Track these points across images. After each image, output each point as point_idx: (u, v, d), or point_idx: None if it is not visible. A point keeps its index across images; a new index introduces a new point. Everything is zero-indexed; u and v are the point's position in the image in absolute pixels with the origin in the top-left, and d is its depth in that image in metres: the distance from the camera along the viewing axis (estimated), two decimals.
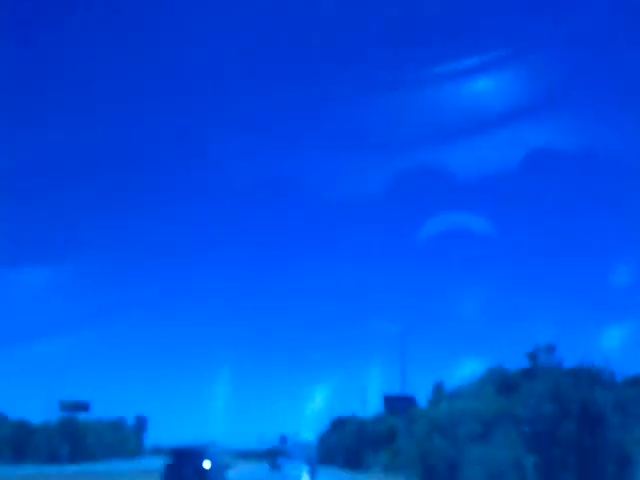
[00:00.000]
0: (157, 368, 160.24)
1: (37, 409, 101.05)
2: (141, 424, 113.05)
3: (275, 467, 73.51)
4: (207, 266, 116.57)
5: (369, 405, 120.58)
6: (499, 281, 78.72)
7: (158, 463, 69.94)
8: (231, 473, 27.34)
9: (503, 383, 42.86)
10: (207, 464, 22.05)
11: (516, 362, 41.30)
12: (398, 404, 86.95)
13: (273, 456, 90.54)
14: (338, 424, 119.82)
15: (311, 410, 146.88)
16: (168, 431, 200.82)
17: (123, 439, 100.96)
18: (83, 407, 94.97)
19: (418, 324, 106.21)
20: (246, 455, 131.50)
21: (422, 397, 68.70)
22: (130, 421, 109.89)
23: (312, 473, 40.53)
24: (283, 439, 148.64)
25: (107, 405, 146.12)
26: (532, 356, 44.58)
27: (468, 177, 51.57)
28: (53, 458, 67.93)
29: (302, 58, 60.57)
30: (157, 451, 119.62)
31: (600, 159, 55.88)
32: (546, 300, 65.48)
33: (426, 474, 41.25)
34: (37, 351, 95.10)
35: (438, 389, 66.80)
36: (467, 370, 54.62)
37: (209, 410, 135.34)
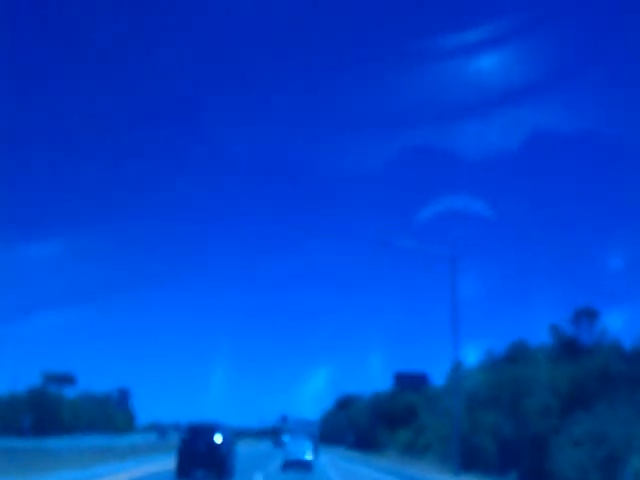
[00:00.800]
0: (152, 345, 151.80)
1: (22, 383, 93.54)
2: (123, 397, 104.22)
3: (278, 445, 69.48)
4: (204, 238, 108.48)
5: (374, 383, 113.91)
6: (497, 263, 77.40)
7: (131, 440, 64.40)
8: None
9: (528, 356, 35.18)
10: (219, 439, 24.44)
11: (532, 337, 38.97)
12: (410, 382, 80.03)
13: (276, 434, 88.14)
14: (345, 402, 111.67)
15: (313, 388, 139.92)
16: (165, 409, 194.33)
17: (109, 414, 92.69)
18: (68, 380, 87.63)
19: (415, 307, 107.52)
20: (246, 434, 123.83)
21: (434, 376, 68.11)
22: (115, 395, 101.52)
23: (315, 451, 37.91)
24: (284, 418, 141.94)
25: (95, 379, 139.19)
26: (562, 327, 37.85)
27: (470, 157, 53.51)
28: (20, 431, 60.12)
29: (302, 38, 58.23)
30: (152, 428, 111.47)
31: (601, 141, 55.26)
32: (546, 282, 63.81)
33: (471, 457, 32.13)
34: (24, 326, 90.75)
35: (457, 366, 57.95)
36: (473, 350, 55.90)
37: (207, 389, 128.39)
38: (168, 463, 31.41)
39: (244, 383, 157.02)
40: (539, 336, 37.46)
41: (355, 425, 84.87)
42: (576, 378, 27.94)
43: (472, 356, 51.10)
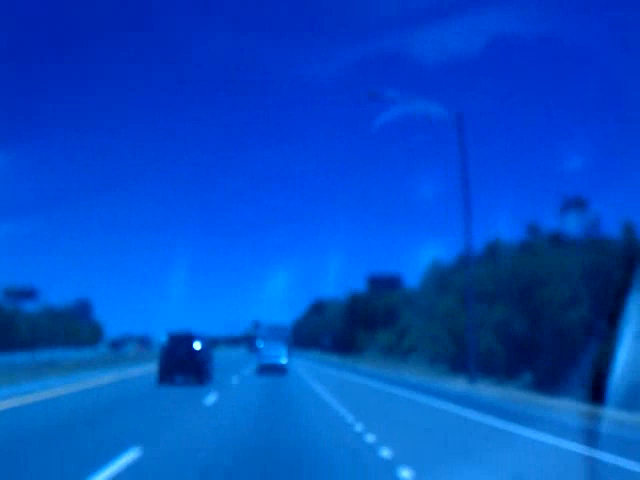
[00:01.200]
0: (113, 256, 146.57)
1: None
2: (84, 308, 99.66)
3: (253, 350, 69.39)
4: (162, 146, 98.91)
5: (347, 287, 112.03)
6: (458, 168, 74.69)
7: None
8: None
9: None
10: (197, 345, 26.11)
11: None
12: (384, 284, 74.54)
13: (250, 340, 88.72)
14: (319, 306, 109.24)
15: (284, 294, 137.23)
16: (134, 321, 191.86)
17: (74, 328, 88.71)
18: (28, 294, 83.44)
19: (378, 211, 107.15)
20: (221, 342, 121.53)
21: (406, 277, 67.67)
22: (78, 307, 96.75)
23: (288, 355, 38.10)
24: (257, 324, 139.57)
25: (57, 293, 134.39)
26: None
27: (430, 62, 54.35)
28: None
29: None
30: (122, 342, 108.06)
31: (560, 44, 54.82)
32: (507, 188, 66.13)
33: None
34: None
35: (435, 265, 55.04)
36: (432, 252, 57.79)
37: (175, 300, 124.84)
38: (105, 379, 29.09)
39: (215, 292, 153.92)
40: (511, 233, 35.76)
41: (331, 328, 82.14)
42: (596, 266, 23.90)
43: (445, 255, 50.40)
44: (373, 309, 65.22)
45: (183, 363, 25.10)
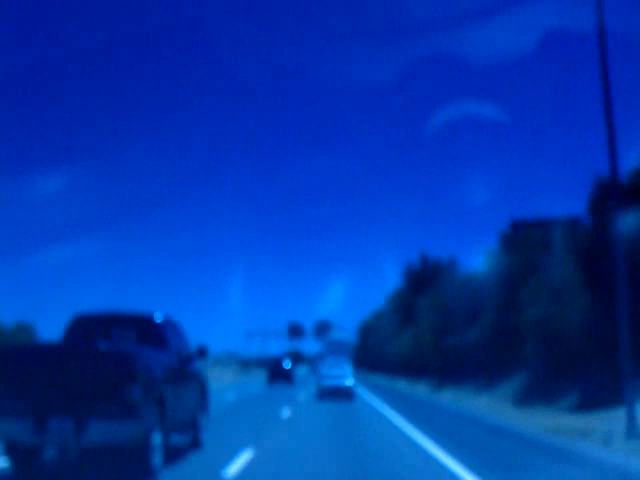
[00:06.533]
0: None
1: None
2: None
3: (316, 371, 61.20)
4: (213, 156, 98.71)
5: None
6: (511, 168, 76.28)
7: None
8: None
9: None
10: (288, 364, 49.56)
11: None
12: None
13: (313, 362, 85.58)
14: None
15: (338, 301, 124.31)
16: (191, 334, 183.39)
17: None
18: None
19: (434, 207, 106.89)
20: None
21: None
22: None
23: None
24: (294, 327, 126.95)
25: None
26: None
27: (481, 63, 54.76)
28: None
29: None
30: None
31: (615, 38, 47.51)
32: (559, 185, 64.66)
33: None
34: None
35: None
36: None
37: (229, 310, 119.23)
38: None
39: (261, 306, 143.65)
40: None
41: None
42: None
43: None
44: None
45: (280, 374, 48.01)
